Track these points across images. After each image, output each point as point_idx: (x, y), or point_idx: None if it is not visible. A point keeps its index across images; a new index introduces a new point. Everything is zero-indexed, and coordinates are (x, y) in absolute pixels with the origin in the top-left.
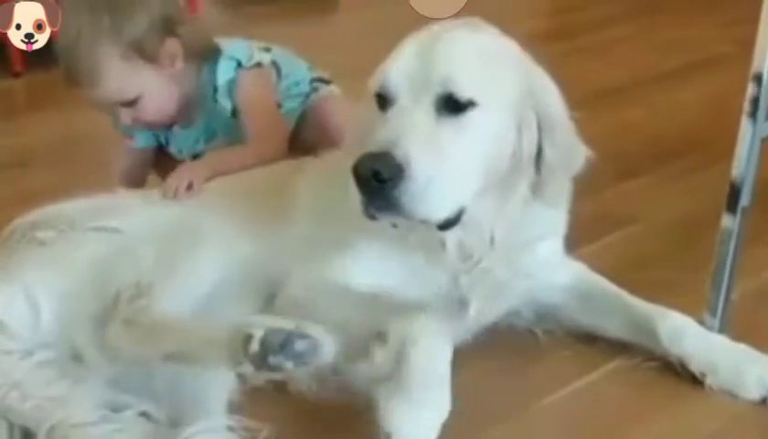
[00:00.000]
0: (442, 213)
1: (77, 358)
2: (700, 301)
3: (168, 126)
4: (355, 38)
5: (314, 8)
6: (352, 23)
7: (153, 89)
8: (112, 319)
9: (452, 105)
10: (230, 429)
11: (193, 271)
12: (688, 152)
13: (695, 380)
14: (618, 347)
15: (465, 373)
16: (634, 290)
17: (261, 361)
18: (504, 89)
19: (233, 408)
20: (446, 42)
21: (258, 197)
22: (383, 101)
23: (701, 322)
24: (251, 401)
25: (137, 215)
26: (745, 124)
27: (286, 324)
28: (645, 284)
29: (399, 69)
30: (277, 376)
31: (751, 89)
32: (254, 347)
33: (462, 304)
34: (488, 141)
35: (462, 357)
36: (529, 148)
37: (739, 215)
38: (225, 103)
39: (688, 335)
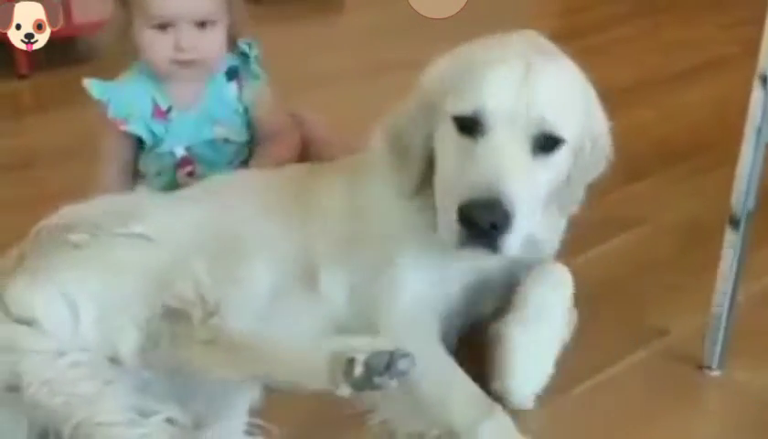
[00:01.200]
0: (521, 246)
1: (114, 360)
2: (706, 303)
3: (165, 113)
4: (360, 39)
5: (318, 9)
6: (357, 23)
7: (224, 27)
8: (188, 340)
9: (544, 143)
10: (250, 433)
11: (251, 281)
12: (694, 153)
13: (695, 384)
14: (619, 353)
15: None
16: (640, 291)
17: (364, 384)
18: (577, 121)
19: (253, 411)
20: (538, 76)
21: (283, 199)
22: (468, 126)
23: (707, 323)
24: (267, 403)
25: (160, 221)
26: (750, 128)
27: (386, 344)
28: (652, 286)
29: (496, 100)
30: (375, 394)
31: (756, 91)
32: (358, 370)
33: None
34: (562, 173)
35: (475, 353)
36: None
37: (744, 218)
38: (230, 91)
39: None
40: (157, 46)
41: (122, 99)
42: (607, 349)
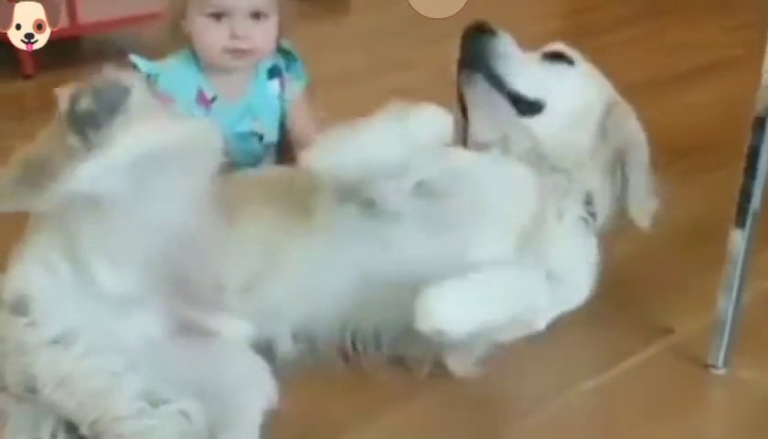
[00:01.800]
0: (515, 80)
1: (102, 298)
2: (711, 301)
3: (209, 101)
4: (366, 39)
5: (324, 9)
6: (363, 24)
7: (275, 18)
8: None
9: (553, 57)
10: None
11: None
12: (699, 153)
13: (700, 382)
14: (623, 352)
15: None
16: (645, 290)
17: (74, 116)
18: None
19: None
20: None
21: None
22: None
23: (712, 322)
24: None
25: None
26: (755, 128)
27: None
28: (657, 284)
29: None
30: (99, 134)
31: (761, 93)
32: (64, 105)
33: None
34: (568, 99)
35: None
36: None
37: (749, 219)
38: (273, 89)
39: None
40: (212, 33)
41: (168, 78)
42: (611, 348)
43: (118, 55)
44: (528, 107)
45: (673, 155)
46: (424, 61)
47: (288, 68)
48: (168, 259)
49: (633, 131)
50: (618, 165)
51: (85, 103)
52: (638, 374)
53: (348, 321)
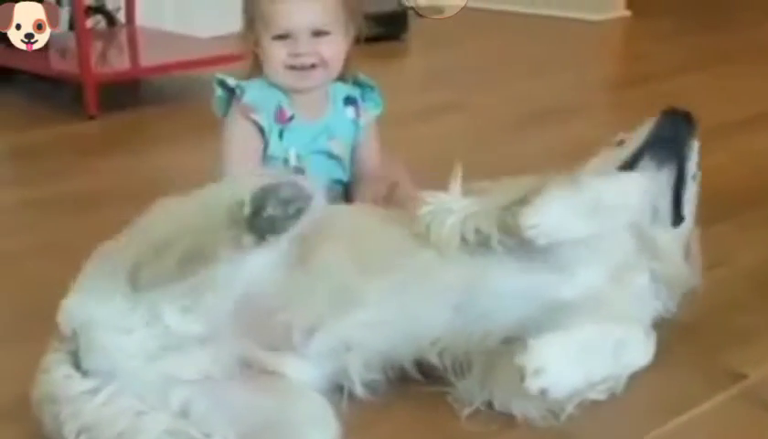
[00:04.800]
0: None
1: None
2: None
3: (287, 119)
4: (422, 81)
5: (384, 53)
6: (420, 66)
7: (340, 37)
8: None
9: None
10: None
11: None
12: None
13: None
14: (695, 397)
15: None
16: (717, 334)
17: (256, 221)
18: None
19: None
20: None
21: None
22: None
23: None
24: None
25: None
26: None
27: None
28: (729, 329)
29: None
30: (278, 238)
31: None
32: (246, 210)
33: None
34: None
35: None
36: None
37: None
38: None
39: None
40: (275, 53)
41: (252, 94)
42: (682, 393)
43: (176, 97)
44: (677, 220)
45: (743, 201)
46: (474, 105)
47: (364, 97)
48: (242, 306)
49: None
50: None
51: (270, 210)
52: (710, 420)
53: (435, 347)
